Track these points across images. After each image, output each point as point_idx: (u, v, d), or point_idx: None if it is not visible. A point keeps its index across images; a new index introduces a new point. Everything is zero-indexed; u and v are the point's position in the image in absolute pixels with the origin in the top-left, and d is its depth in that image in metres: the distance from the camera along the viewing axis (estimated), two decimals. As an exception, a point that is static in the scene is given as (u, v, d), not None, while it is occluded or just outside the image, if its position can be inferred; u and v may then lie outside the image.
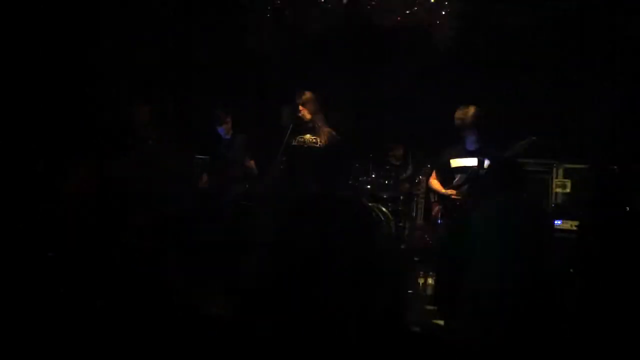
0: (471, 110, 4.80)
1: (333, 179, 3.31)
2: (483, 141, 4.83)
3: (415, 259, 5.47)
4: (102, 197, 4.03)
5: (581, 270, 3.75)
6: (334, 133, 4.90)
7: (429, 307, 4.71)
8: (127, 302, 3.32)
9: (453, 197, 4.76)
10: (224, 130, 5.76)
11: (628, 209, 3.93)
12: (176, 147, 5.57)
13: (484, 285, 3.10)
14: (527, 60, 6.19)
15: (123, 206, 3.44)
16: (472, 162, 4.75)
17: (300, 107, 4.89)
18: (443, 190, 4.89)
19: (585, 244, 3.78)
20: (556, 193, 5.19)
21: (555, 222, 4.71)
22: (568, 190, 5.13)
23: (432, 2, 5.80)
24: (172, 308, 3.54)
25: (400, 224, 6.06)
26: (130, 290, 3.32)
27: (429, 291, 5.12)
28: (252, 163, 5.65)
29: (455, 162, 4.87)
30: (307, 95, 4.93)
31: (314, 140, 4.86)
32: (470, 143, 4.83)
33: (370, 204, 5.87)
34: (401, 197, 6.34)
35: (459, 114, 4.85)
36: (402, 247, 5.77)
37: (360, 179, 6.28)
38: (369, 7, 5.76)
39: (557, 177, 5.23)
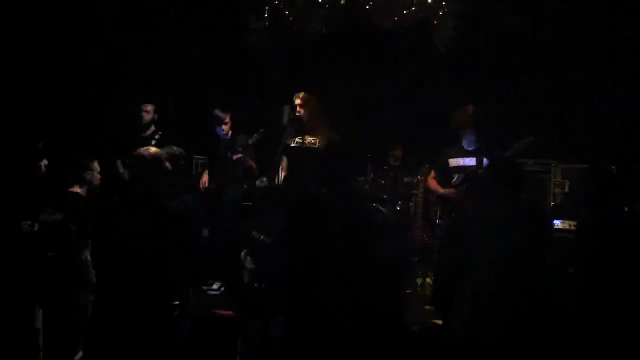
0: (470, 109, 4.81)
1: (333, 179, 3.33)
2: (482, 141, 4.83)
3: (414, 259, 5.46)
4: (104, 197, 4.03)
5: (580, 270, 3.75)
6: (333, 133, 4.89)
7: (428, 307, 4.71)
8: (127, 302, 3.33)
9: (451, 196, 4.76)
10: (224, 130, 5.76)
11: (627, 209, 3.94)
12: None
13: (483, 285, 3.10)
14: (527, 60, 6.19)
15: (124, 206, 3.44)
16: (470, 161, 4.76)
17: (299, 108, 4.88)
18: (441, 190, 4.90)
19: (584, 243, 3.78)
20: (555, 193, 5.20)
21: (554, 222, 4.72)
22: (566, 190, 5.15)
23: (431, 2, 5.79)
24: (172, 308, 3.55)
25: (400, 224, 6.06)
26: (130, 290, 3.32)
27: (428, 291, 5.12)
28: (252, 163, 5.65)
29: (454, 162, 4.87)
30: (306, 95, 4.92)
31: (313, 141, 4.85)
32: (469, 143, 4.84)
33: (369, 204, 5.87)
34: (400, 197, 6.34)
35: (457, 113, 4.86)
36: (401, 247, 5.76)
37: (359, 179, 6.28)
38: (368, 7, 5.76)
39: (555, 177, 5.24)
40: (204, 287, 5.27)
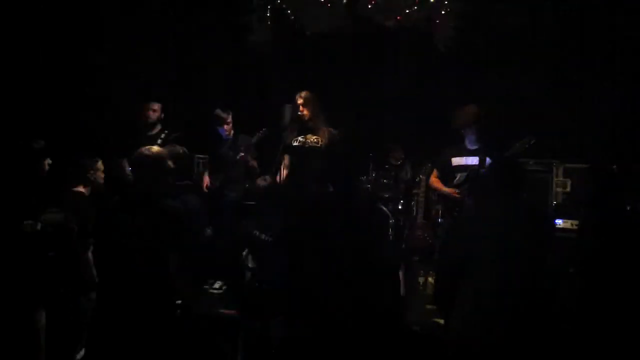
0: (472, 109, 4.82)
1: (335, 178, 3.32)
2: (483, 140, 4.84)
3: (415, 258, 5.47)
4: (106, 197, 4.03)
5: (581, 270, 3.76)
6: (335, 133, 4.88)
7: (429, 306, 4.72)
8: (127, 301, 3.33)
9: (453, 195, 4.77)
10: (225, 130, 5.75)
11: (628, 208, 3.94)
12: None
13: (484, 285, 3.10)
14: (527, 60, 6.20)
15: (124, 206, 3.44)
16: (473, 160, 4.76)
17: (301, 107, 4.88)
18: (444, 189, 4.90)
19: (585, 243, 3.78)
20: (556, 192, 5.21)
21: (556, 221, 4.73)
22: (568, 189, 5.15)
23: (432, 2, 5.80)
24: (173, 308, 3.55)
25: (400, 224, 6.07)
26: (130, 290, 3.32)
27: (429, 290, 5.12)
28: (254, 162, 5.65)
29: (457, 161, 4.88)
30: (308, 95, 4.91)
31: (316, 140, 4.84)
32: (471, 142, 4.84)
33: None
34: (401, 197, 6.35)
35: (459, 112, 4.86)
36: (402, 246, 5.78)
37: (361, 178, 6.29)
38: (369, 7, 5.77)
39: (557, 177, 5.24)
40: (206, 287, 5.28)
